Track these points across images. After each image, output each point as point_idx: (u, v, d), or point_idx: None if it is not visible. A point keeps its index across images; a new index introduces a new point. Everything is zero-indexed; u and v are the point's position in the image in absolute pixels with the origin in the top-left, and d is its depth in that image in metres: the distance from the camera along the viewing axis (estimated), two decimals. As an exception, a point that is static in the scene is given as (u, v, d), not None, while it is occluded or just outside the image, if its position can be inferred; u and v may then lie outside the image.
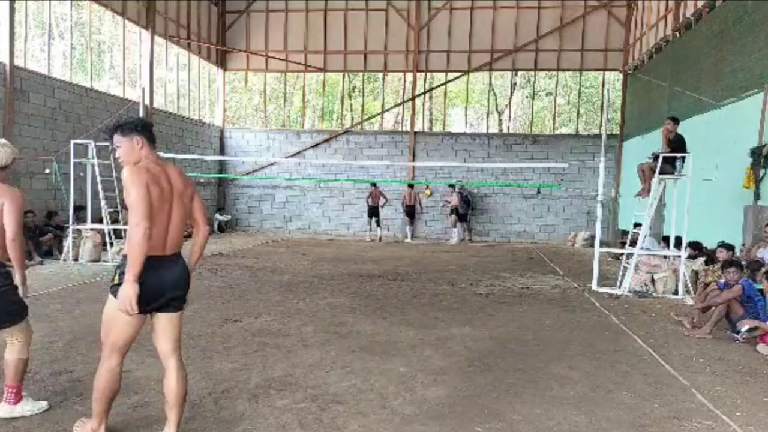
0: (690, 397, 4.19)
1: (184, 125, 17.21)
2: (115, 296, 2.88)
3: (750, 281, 6.21)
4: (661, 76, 14.04)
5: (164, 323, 3.05)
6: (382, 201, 16.92)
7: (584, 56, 17.87)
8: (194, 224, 3.19)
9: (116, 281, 2.88)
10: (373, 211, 16.99)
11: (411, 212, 17.32)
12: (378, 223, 17.02)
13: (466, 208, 17.19)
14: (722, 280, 6.45)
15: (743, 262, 6.89)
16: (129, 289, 2.77)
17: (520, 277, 10.14)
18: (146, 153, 2.99)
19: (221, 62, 19.36)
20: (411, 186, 17.53)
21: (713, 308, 6.19)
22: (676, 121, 8.88)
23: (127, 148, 2.98)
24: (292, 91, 20.93)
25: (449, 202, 17.04)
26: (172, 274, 2.96)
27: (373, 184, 17.09)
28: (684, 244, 8.53)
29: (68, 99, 12.23)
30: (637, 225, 9.92)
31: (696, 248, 9.41)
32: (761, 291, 6.13)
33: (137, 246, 2.73)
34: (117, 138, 2.99)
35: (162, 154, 14.75)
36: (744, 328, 5.72)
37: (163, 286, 2.92)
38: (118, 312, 2.86)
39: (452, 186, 17.08)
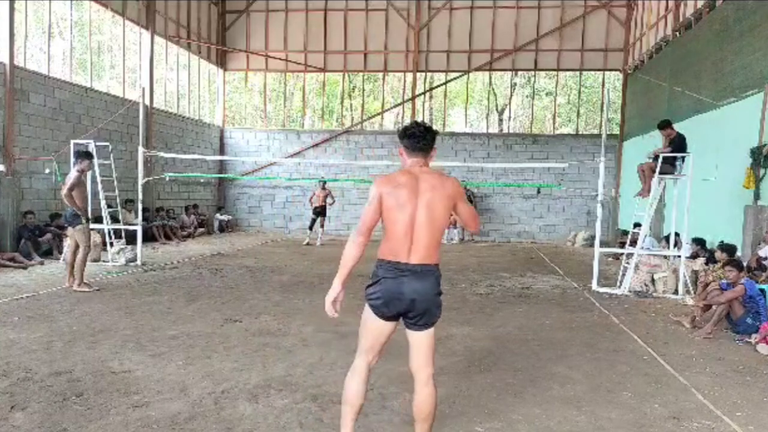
0: (690, 397, 4.19)
1: (184, 125, 17.20)
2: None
3: (752, 281, 6.22)
4: (661, 76, 14.04)
5: (411, 340, 3.02)
6: (330, 200, 15.29)
7: (584, 56, 17.86)
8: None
9: (370, 283, 2.97)
10: (319, 211, 15.26)
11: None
12: (321, 224, 15.38)
13: None
14: (724, 280, 6.46)
15: (744, 263, 6.89)
16: (330, 292, 2.97)
17: (520, 277, 10.14)
18: (409, 161, 2.95)
19: (221, 62, 19.35)
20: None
21: (714, 307, 6.20)
22: (670, 123, 8.94)
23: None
24: (292, 91, 20.92)
25: None
26: (412, 286, 2.86)
27: (323, 183, 15.58)
28: (684, 242, 8.53)
29: (68, 99, 12.22)
30: (637, 225, 9.92)
31: (699, 245, 9.42)
32: (762, 291, 6.14)
33: (345, 253, 2.95)
34: None
35: (162, 154, 14.56)
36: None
37: (400, 295, 2.87)
38: (367, 314, 3.00)
39: None
